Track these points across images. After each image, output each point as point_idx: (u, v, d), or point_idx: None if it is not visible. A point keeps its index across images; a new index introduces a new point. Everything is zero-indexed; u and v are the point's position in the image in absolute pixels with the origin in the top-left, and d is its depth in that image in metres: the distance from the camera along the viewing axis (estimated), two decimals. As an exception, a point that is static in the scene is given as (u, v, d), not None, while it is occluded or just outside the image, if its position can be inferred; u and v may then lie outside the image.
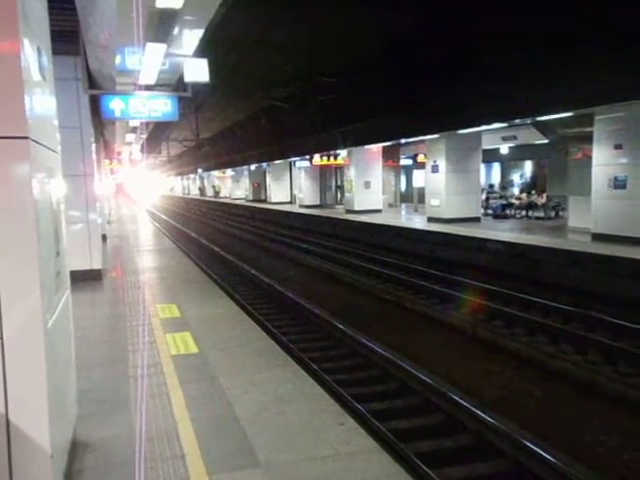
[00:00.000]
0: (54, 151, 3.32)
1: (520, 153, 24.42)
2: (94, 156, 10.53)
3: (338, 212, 25.52)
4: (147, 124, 18.42)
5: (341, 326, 8.23)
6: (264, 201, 39.18)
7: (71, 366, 3.65)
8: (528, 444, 4.65)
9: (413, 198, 25.55)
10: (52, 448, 2.64)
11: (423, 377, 6.17)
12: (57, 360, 2.97)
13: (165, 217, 34.09)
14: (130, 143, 24.44)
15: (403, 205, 29.46)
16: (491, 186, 26.84)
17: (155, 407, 4.16)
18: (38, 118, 2.80)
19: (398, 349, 7.51)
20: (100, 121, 15.49)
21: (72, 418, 3.57)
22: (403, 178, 33.37)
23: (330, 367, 6.97)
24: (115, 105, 8.74)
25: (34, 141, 2.62)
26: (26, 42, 2.59)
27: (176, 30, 6.43)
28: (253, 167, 36.72)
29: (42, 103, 2.99)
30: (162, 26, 6.07)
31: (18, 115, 2.48)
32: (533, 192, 21.42)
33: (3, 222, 2.48)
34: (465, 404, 5.45)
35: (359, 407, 5.61)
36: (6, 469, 2.55)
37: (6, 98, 2.47)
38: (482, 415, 5.17)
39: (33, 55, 2.77)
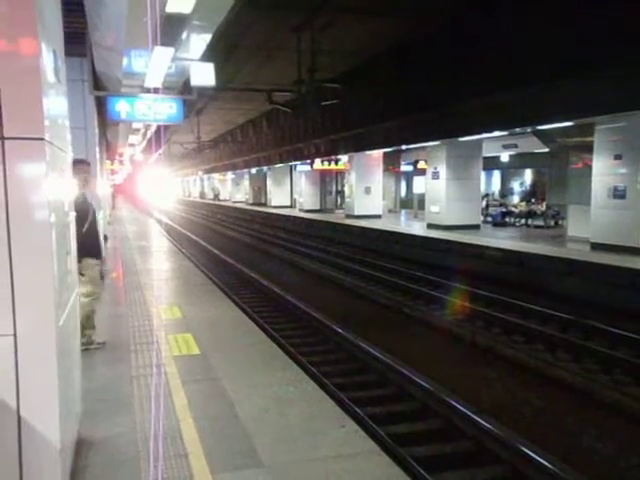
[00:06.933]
0: (65, 152, 3.37)
1: (520, 161, 24.51)
2: (98, 157, 10.58)
3: (338, 217, 25.58)
4: (150, 126, 18.46)
5: (340, 330, 8.29)
6: (264, 205, 39.23)
7: (77, 364, 3.70)
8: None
9: (413, 204, 25.63)
10: (61, 443, 2.69)
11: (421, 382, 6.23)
12: (66, 357, 3.01)
13: (165, 219, 34.11)
14: (132, 145, 24.45)
15: (403, 211, 29.52)
16: (491, 194, 26.93)
17: (158, 407, 4.20)
18: (52, 119, 2.84)
19: (396, 354, 7.54)
20: (103, 122, 15.55)
21: (77, 416, 3.61)
22: (403, 184, 33.48)
23: (330, 371, 7.01)
24: (121, 107, 8.80)
25: (49, 142, 2.67)
26: (43, 45, 2.64)
27: (184, 34, 6.49)
28: (254, 171, 36.80)
29: (56, 105, 3.04)
30: (170, 30, 6.13)
31: (36, 116, 2.53)
32: (533, 200, 21.50)
33: (20, 220, 2.52)
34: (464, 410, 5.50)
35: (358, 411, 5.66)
36: (16, 462, 2.59)
37: (26, 99, 2.51)
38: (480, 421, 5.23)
39: (49, 57, 2.82)
